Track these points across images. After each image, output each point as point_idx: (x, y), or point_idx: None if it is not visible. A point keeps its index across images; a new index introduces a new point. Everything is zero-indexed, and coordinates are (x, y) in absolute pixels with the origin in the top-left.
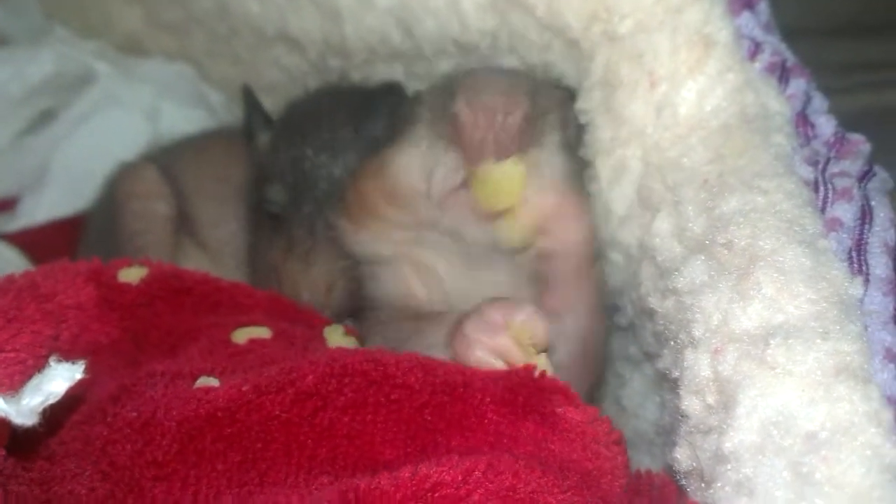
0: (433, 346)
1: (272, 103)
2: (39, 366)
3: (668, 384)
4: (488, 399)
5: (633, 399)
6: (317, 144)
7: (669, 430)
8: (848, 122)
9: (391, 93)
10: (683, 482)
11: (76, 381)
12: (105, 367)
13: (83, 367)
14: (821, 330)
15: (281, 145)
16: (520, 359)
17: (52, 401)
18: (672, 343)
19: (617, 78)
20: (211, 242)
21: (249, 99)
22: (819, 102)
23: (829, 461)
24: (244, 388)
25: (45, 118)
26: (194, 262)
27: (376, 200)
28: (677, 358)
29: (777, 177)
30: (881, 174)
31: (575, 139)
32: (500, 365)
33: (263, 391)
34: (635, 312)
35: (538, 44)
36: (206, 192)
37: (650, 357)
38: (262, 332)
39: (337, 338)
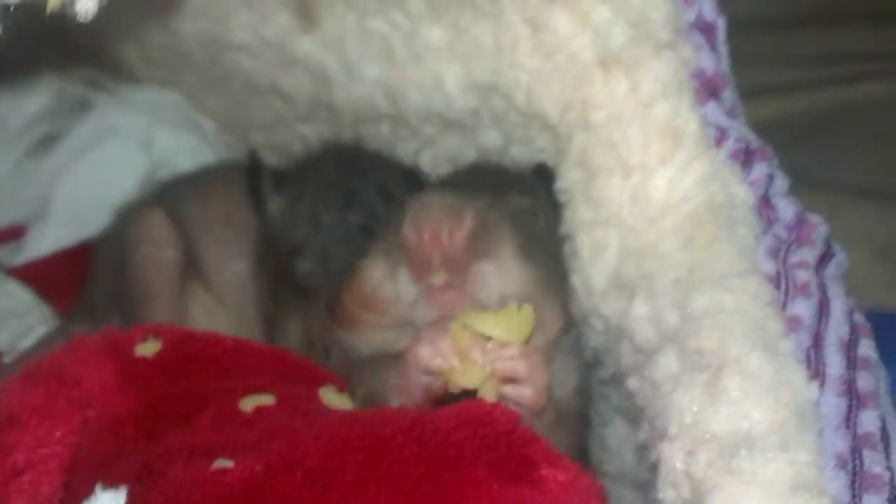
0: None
1: (264, 139)
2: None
3: (646, 454)
4: (479, 468)
5: (615, 439)
6: (342, 212)
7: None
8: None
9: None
10: None
11: None
12: (126, 439)
13: (125, 492)
14: (780, 441)
15: (300, 213)
16: (454, 362)
17: None
18: (648, 425)
19: (593, 163)
20: (217, 284)
21: (255, 162)
22: (780, 183)
23: None
24: (256, 469)
25: (45, 143)
26: (201, 305)
27: (354, 309)
28: (654, 441)
29: (742, 276)
30: (838, 256)
31: (548, 227)
32: (441, 364)
33: (275, 472)
34: (616, 371)
35: (518, 123)
36: (212, 235)
37: (630, 419)
38: (267, 400)
39: (332, 397)
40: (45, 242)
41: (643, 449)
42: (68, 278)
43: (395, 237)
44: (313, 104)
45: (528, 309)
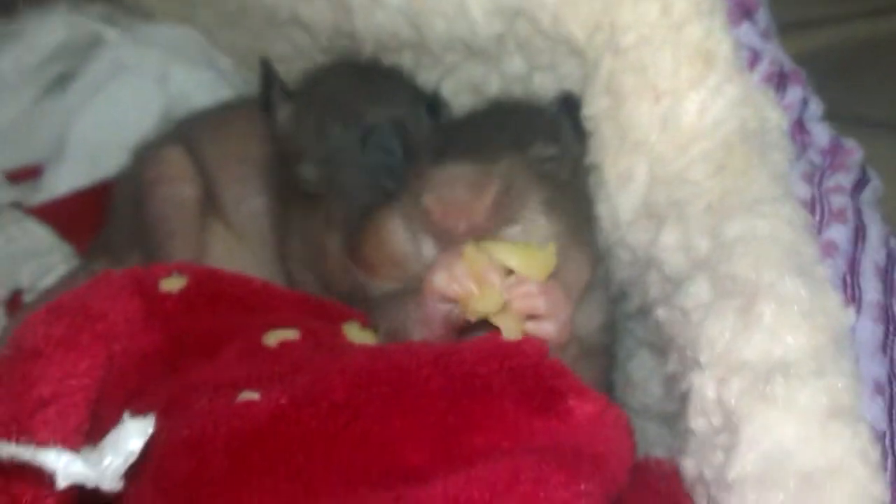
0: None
1: (283, 72)
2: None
3: (675, 385)
4: (506, 399)
5: (640, 373)
6: (346, 122)
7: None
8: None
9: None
10: (690, 490)
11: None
12: (152, 375)
13: (153, 419)
14: (816, 367)
15: (306, 120)
16: (471, 287)
17: (131, 461)
18: (677, 355)
19: (621, 88)
20: (236, 221)
21: (267, 71)
22: (815, 108)
23: (823, 502)
24: (282, 402)
25: (60, 82)
26: (221, 241)
27: (374, 260)
28: (684, 372)
29: (776, 201)
30: (873, 182)
31: (574, 172)
32: (458, 290)
33: (300, 404)
34: (643, 303)
35: (544, 48)
36: (230, 172)
37: (657, 351)
38: (291, 334)
39: (355, 333)
40: (62, 181)
41: (671, 380)
42: (88, 217)
43: (416, 204)
44: (334, 34)
45: (550, 248)
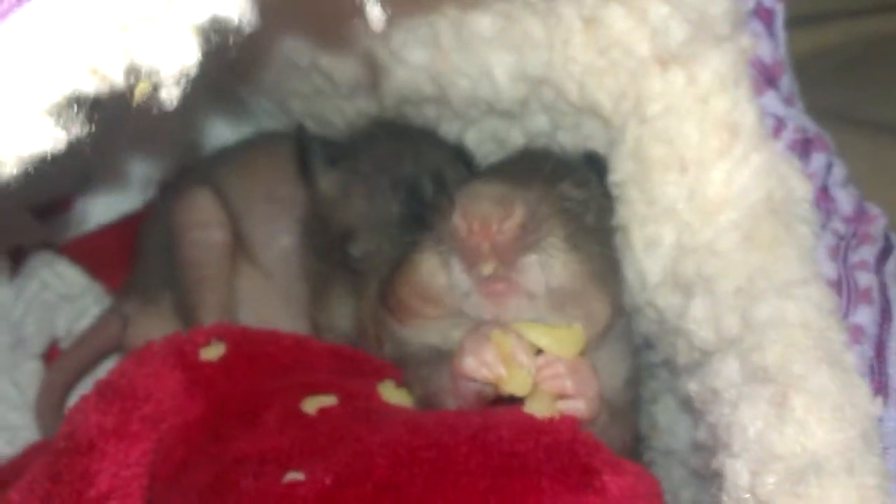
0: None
1: (303, 108)
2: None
3: (705, 456)
4: (543, 477)
5: (665, 416)
6: (395, 188)
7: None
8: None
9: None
10: None
11: None
12: (195, 443)
13: None
14: (846, 465)
15: (355, 192)
16: (501, 371)
17: None
18: (707, 429)
19: (648, 156)
20: (265, 260)
21: (304, 136)
22: (838, 172)
23: None
24: (327, 482)
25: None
26: (249, 281)
27: (411, 301)
28: (714, 449)
29: (805, 284)
30: None
31: (599, 219)
32: (487, 374)
33: (344, 484)
34: (670, 361)
35: (568, 111)
36: (257, 213)
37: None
38: (329, 400)
39: (390, 393)
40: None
41: (701, 449)
42: (117, 253)
43: (446, 226)
44: (356, 85)
45: (577, 328)
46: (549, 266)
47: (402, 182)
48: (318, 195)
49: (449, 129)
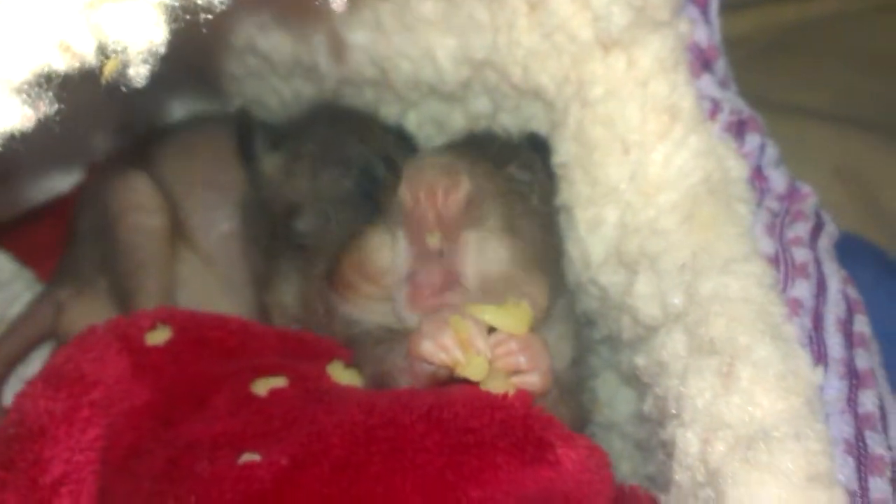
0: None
1: (236, 90)
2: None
3: (651, 428)
4: (499, 452)
5: (606, 391)
6: (339, 168)
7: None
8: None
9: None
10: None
11: None
12: (144, 430)
13: None
14: (793, 431)
15: (298, 172)
16: (458, 356)
17: None
18: (654, 401)
19: (590, 139)
20: (205, 246)
21: (247, 120)
22: (771, 153)
23: None
24: (283, 463)
25: None
26: (188, 267)
27: (354, 278)
28: (662, 421)
29: (745, 260)
30: (828, 227)
31: (542, 201)
32: (445, 359)
33: (301, 465)
34: (611, 336)
35: (510, 94)
36: (197, 198)
37: (624, 378)
38: (280, 382)
39: (340, 373)
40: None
41: (646, 421)
42: (45, 238)
43: (393, 201)
44: (293, 68)
45: (525, 305)
46: (487, 247)
47: (351, 163)
48: (261, 178)
49: (388, 112)
